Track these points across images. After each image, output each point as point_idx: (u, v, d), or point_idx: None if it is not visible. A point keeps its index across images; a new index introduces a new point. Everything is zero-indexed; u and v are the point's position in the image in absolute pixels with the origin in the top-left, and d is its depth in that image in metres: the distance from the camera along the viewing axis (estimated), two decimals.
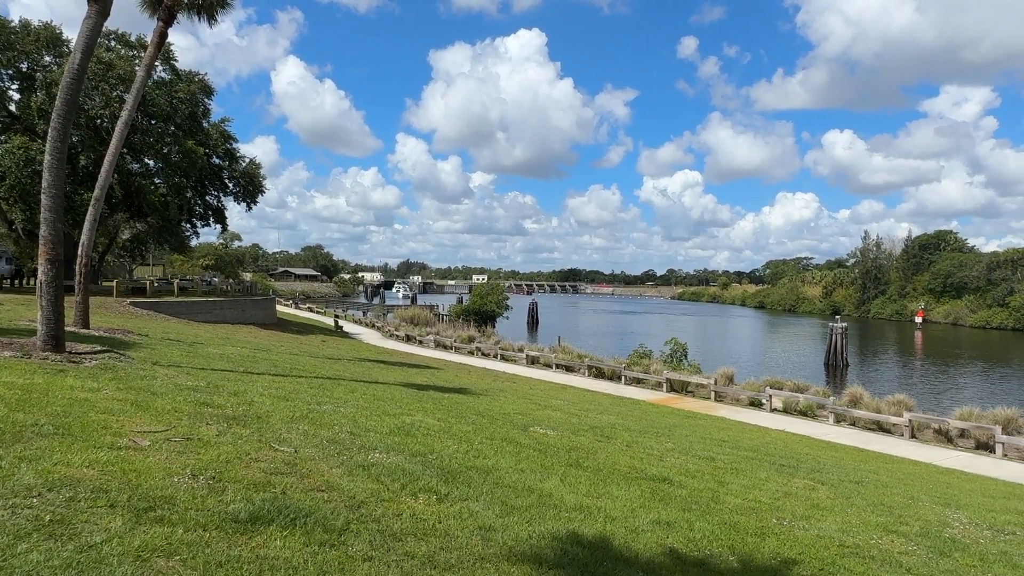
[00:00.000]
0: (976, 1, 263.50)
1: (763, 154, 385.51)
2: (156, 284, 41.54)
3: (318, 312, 74.06)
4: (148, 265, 73.01)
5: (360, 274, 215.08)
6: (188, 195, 42.70)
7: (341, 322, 54.72)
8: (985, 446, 18.61)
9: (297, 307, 79.61)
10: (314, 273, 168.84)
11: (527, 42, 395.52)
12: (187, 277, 60.42)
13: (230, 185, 45.63)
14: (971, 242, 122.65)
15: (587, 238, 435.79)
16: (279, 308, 58.77)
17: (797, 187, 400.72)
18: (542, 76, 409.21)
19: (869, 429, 20.74)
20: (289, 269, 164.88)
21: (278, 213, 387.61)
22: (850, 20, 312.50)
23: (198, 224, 46.46)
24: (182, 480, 4.50)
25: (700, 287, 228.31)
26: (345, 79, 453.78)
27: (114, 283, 35.71)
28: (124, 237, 52.04)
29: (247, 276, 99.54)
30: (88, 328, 17.51)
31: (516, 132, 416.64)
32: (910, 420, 19.92)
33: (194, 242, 58.91)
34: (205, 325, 30.13)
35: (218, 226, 48.34)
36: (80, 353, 10.63)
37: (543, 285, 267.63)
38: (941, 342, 76.74)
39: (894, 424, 20.31)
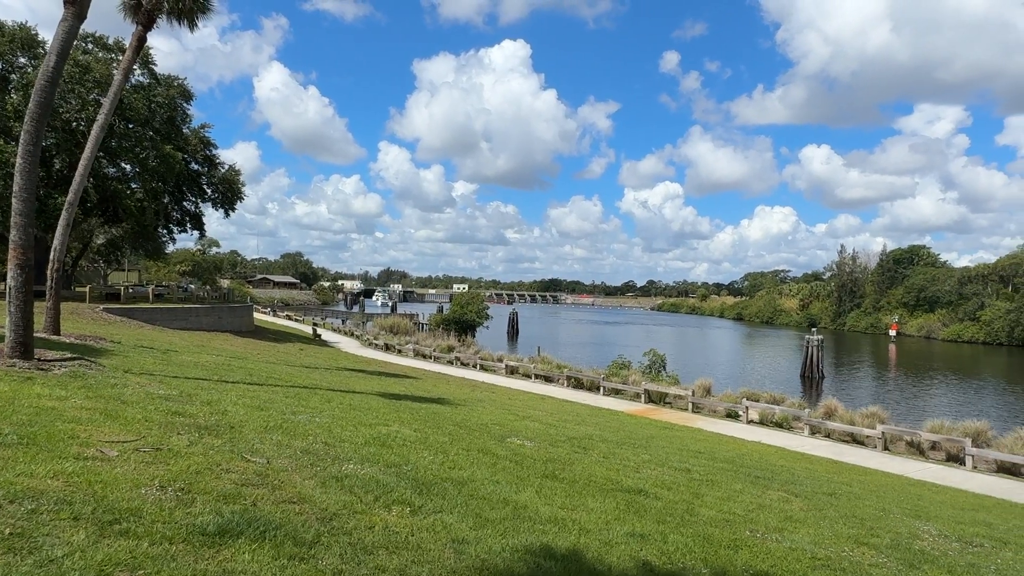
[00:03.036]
0: (949, 23, 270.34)
1: (743, 168, 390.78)
2: (131, 290, 40.93)
3: (296, 320, 73.36)
4: (123, 271, 71.93)
5: (340, 282, 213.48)
6: (165, 200, 42.19)
7: (320, 330, 54.24)
8: (956, 458, 18.91)
9: (275, 315, 78.80)
10: (293, 281, 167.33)
11: (511, 53, 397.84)
12: (163, 283, 59.63)
13: (208, 191, 45.18)
14: (944, 257, 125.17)
15: (568, 248, 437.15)
16: (257, 315, 58.12)
17: (775, 201, 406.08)
18: (526, 87, 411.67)
19: (843, 441, 20.97)
20: (268, 276, 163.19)
21: (258, 220, 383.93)
22: (828, 39, 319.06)
23: (175, 230, 45.96)
24: (150, 492, 4.42)
25: (680, 298, 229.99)
26: (329, 86, 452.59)
27: (87, 288, 35.15)
28: (99, 242, 51.24)
29: (225, 283, 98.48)
30: (59, 334, 17.19)
31: (499, 142, 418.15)
32: (883, 432, 20.18)
33: (171, 248, 58.13)
34: (180, 332, 29.71)
35: (195, 232, 47.87)
36: (49, 360, 10.42)
37: (524, 295, 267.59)
38: (914, 355, 77.97)
39: (868, 436, 20.56)
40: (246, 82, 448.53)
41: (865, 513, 9.17)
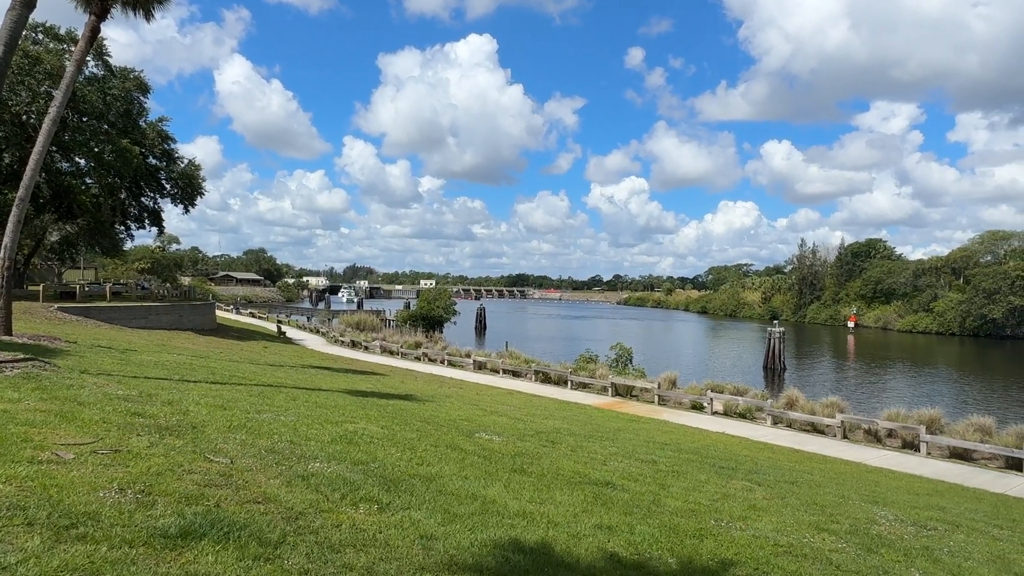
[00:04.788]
0: (905, 22, 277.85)
1: (706, 163, 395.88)
2: (87, 288, 39.76)
3: (260, 317, 72.18)
4: (79, 268, 69.80)
5: (305, 279, 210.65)
6: (122, 196, 41.13)
7: (284, 328, 53.47)
8: (911, 445, 19.50)
9: (238, 312, 77.42)
10: (257, 278, 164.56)
11: (478, 48, 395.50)
12: (121, 281, 58.08)
13: (167, 186, 44.16)
14: (899, 250, 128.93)
15: (535, 244, 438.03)
16: (219, 313, 57.03)
17: (738, 196, 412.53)
18: (492, 82, 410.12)
19: (804, 430, 21.47)
20: (230, 273, 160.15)
21: (220, 216, 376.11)
22: (789, 36, 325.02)
23: (133, 226, 44.83)
24: (108, 495, 4.31)
25: (645, 292, 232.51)
26: (293, 80, 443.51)
27: (41, 287, 34.04)
28: (52, 239, 49.60)
29: (185, 280, 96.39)
30: (11, 335, 16.63)
31: (466, 137, 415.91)
32: (842, 421, 20.71)
33: (128, 245, 56.58)
34: (139, 331, 29.00)
35: (154, 228, 46.76)
36: (0, 361, 10.07)
37: (491, 290, 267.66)
38: (872, 346, 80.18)
39: (827, 425, 21.08)
40: (206, 75, 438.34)
41: (825, 500, 9.41)
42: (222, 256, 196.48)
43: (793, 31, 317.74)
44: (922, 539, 7.55)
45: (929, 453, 18.74)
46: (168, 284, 68.11)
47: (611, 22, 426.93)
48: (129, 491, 4.45)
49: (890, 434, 20.33)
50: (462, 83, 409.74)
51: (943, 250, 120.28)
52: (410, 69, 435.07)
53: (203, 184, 45.51)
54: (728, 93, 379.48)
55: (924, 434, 18.97)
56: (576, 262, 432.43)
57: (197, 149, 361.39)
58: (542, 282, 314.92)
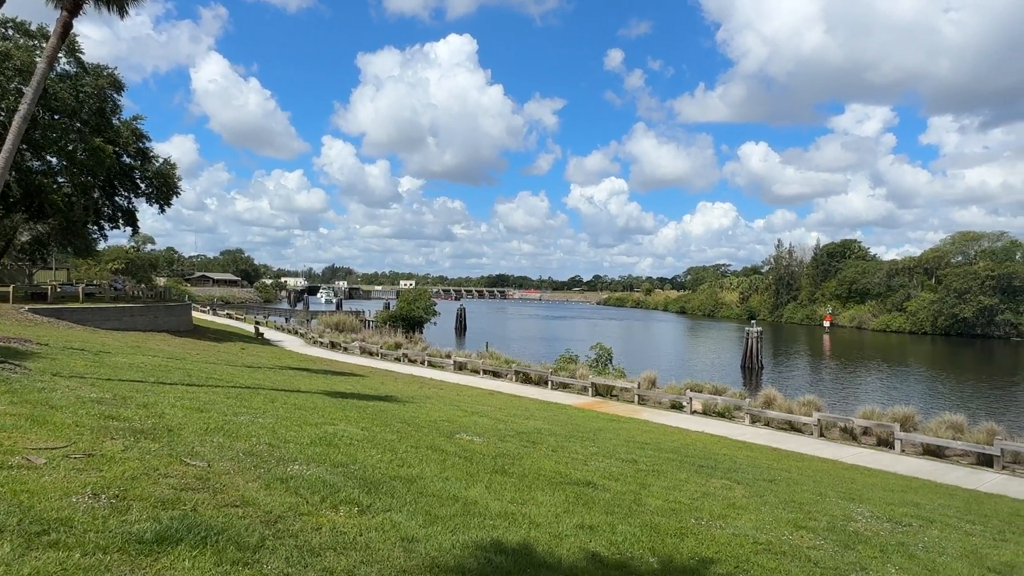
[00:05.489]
0: (878, 26, 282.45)
1: (685, 164, 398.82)
2: (59, 289, 39.03)
3: (238, 319, 71.34)
4: (50, 269, 68.45)
5: (283, 279, 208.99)
6: (95, 195, 40.37)
7: (262, 329, 52.90)
8: (885, 443, 19.79)
9: (215, 313, 76.47)
10: (234, 278, 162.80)
11: (458, 48, 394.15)
12: (94, 282, 57.11)
13: (142, 186, 43.43)
14: (873, 251, 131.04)
15: (516, 244, 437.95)
16: (196, 315, 56.30)
17: (716, 197, 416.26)
18: (472, 82, 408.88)
19: (782, 429, 21.70)
20: (207, 274, 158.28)
21: (196, 215, 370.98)
22: (766, 39, 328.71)
23: (106, 226, 43.99)
24: (81, 500, 4.22)
25: (625, 292, 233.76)
26: (271, 79, 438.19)
27: (11, 288, 33.32)
28: (23, 239, 48.53)
29: (161, 281, 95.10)
30: None
31: (446, 137, 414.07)
32: (819, 420, 20.97)
33: (102, 245, 55.59)
34: (113, 333, 28.51)
35: (128, 228, 45.92)
36: None
37: (471, 291, 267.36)
38: (847, 345, 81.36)
39: (804, 424, 21.33)
40: (182, 73, 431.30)
41: (803, 498, 9.51)
42: (198, 256, 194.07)
43: (770, 34, 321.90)
44: (898, 535, 7.66)
45: (903, 450, 19.04)
46: (143, 285, 67.11)
47: (591, 23, 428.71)
48: (103, 496, 4.36)
49: (865, 432, 20.61)
50: (442, 83, 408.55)
51: (916, 251, 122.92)
52: (390, 69, 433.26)
53: (179, 183, 44.83)
54: (706, 95, 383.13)
55: (898, 432, 19.26)
56: (556, 262, 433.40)
57: (173, 148, 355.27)
58: (522, 282, 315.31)
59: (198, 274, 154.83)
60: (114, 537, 3.69)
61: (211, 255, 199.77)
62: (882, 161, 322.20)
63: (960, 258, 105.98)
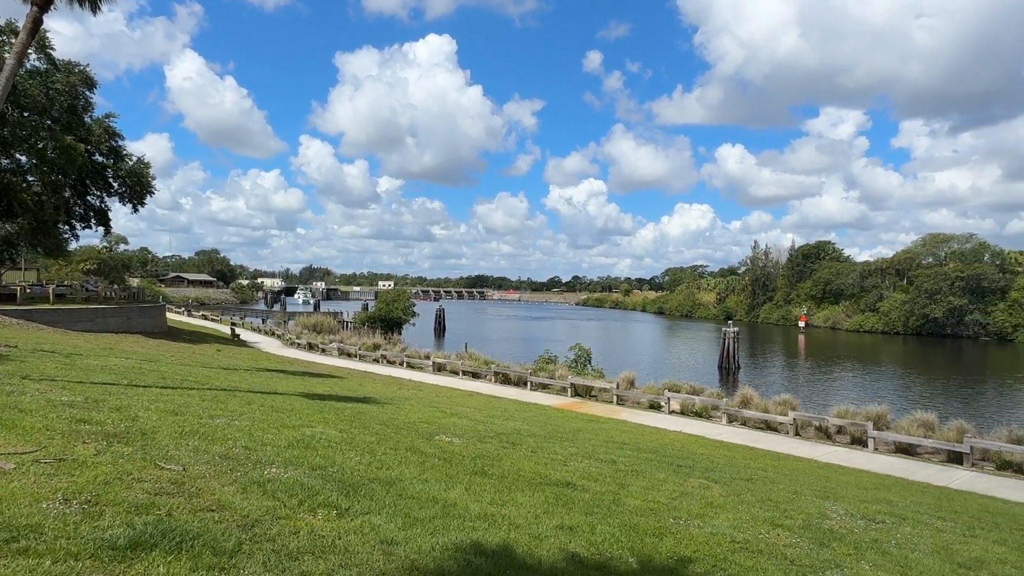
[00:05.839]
0: (851, 31, 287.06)
1: (663, 166, 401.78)
2: (28, 290, 38.20)
3: (213, 320, 70.45)
4: (19, 270, 66.97)
5: (260, 280, 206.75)
6: (66, 194, 39.57)
7: (238, 330, 52.29)
8: (859, 441, 20.11)
9: (190, 314, 75.46)
10: (209, 279, 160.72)
11: (437, 48, 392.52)
12: (65, 283, 56.01)
13: (115, 185, 42.66)
14: (847, 252, 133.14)
15: (495, 245, 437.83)
16: (170, 316, 55.48)
17: (694, 198, 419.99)
18: (451, 83, 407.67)
19: (758, 428, 21.95)
20: (182, 274, 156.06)
21: (170, 215, 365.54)
22: (743, 42, 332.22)
23: (78, 226, 43.13)
24: (52, 506, 4.13)
25: (604, 293, 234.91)
26: (248, 77, 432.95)
27: None
28: None
29: (134, 282, 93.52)
30: None
31: (425, 138, 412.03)
32: (794, 419, 21.25)
33: (73, 245, 54.37)
34: (85, 335, 27.98)
35: (101, 228, 45.07)
36: None
37: (450, 291, 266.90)
38: (821, 345, 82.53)
39: (780, 423, 21.60)
40: (157, 71, 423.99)
41: (779, 496, 9.63)
42: (173, 257, 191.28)
43: (747, 37, 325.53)
44: (871, 532, 7.78)
45: (876, 449, 19.36)
46: (115, 285, 65.87)
47: (570, 25, 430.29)
48: (74, 501, 4.27)
49: (839, 431, 20.93)
50: (421, 83, 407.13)
51: (888, 252, 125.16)
52: (368, 68, 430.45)
53: (153, 182, 44.11)
54: (684, 97, 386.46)
55: (871, 430, 19.59)
56: (535, 263, 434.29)
57: (147, 146, 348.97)
58: (501, 283, 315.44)
59: (172, 275, 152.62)
60: (86, 543, 3.62)
61: (186, 255, 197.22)
62: (855, 164, 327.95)
63: (931, 259, 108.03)
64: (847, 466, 16.46)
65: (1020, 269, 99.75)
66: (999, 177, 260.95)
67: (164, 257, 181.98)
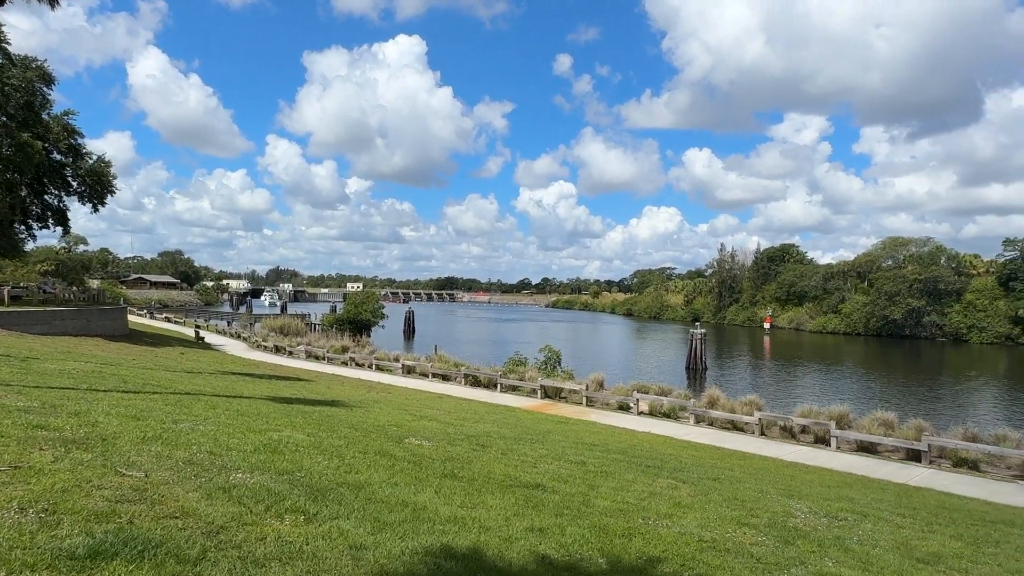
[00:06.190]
0: (814, 39, 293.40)
1: (632, 169, 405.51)
2: None
3: (176, 322, 69.03)
4: None
5: (225, 282, 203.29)
6: (22, 193, 38.41)
7: (203, 333, 51.28)
8: (822, 440, 20.53)
9: (153, 317, 73.82)
10: (173, 280, 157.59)
11: (407, 49, 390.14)
12: (21, 284, 54.33)
13: (74, 184, 41.51)
14: (810, 255, 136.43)
15: (465, 247, 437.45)
16: (132, 318, 54.19)
17: (662, 201, 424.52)
18: (421, 84, 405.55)
19: (725, 428, 22.26)
20: (144, 276, 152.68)
21: (133, 215, 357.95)
22: (710, 48, 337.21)
23: (35, 226, 41.90)
24: (7, 515, 4.00)
25: (573, 295, 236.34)
26: (213, 76, 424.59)
27: None
28: None
29: (94, 283, 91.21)
30: None
31: (395, 139, 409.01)
32: (760, 419, 21.60)
33: (30, 245, 52.85)
34: (42, 338, 27.17)
35: (59, 228, 43.83)
36: None
37: (420, 293, 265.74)
38: (786, 346, 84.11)
39: (746, 423, 21.94)
40: (118, 68, 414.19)
41: (745, 495, 9.77)
42: (135, 258, 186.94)
43: (714, 43, 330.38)
44: (834, 529, 7.95)
45: (839, 447, 19.78)
46: (74, 287, 64.11)
47: (540, 28, 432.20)
48: (31, 510, 4.14)
49: (804, 430, 21.33)
50: (391, 84, 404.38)
51: (850, 255, 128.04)
52: (337, 68, 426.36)
53: (114, 182, 43.02)
54: (652, 101, 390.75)
55: (834, 429, 20.01)
56: (505, 265, 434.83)
57: (107, 145, 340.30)
58: (471, 285, 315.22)
59: (134, 276, 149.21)
60: (43, 553, 3.51)
61: (148, 256, 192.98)
62: (818, 169, 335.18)
63: (890, 262, 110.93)
64: (811, 465, 16.78)
65: (974, 272, 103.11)
66: (955, 183, 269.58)
67: (126, 258, 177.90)
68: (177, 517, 4.51)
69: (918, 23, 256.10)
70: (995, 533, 9.33)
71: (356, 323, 64.41)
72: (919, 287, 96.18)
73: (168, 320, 71.29)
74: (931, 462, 18.10)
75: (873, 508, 10.13)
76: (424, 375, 33.27)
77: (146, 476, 5.42)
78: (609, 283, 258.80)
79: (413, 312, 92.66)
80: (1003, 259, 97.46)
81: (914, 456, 18.52)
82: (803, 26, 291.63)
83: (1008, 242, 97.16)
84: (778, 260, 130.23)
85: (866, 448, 19.59)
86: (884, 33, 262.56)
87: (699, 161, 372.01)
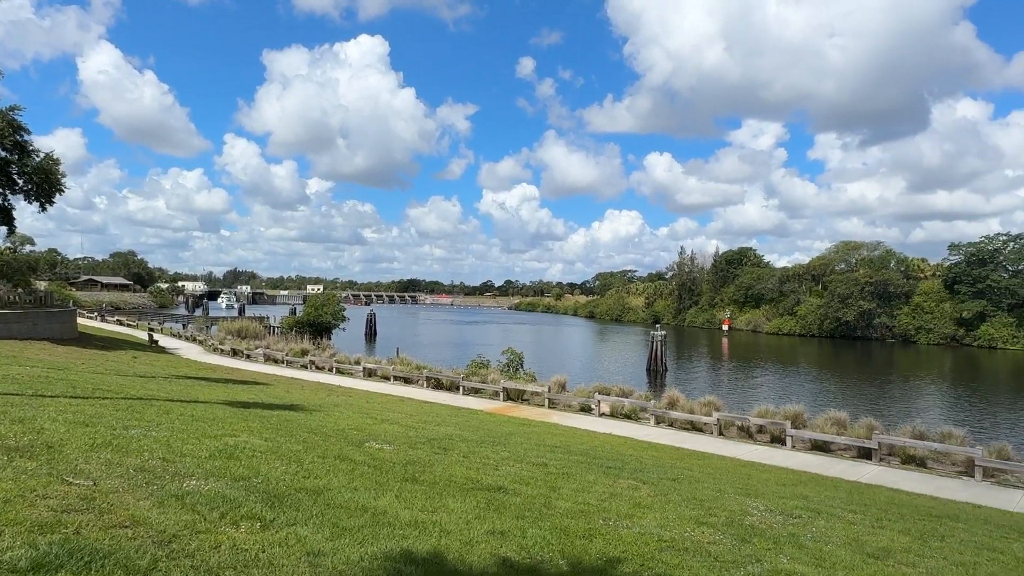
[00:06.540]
0: (771, 48, 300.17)
1: (594, 173, 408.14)
2: None
3: (129, 325, 67.11)
4: None
5: (180, 283, 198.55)
6: None
7: (157, 336, 49.96)
8: (779, 439, 20.99)
9: (104, 320, 71.58)
10: (125, 282, 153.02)
11: (369, 49, 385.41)
12: None
13: (20, 182, 39.99)
14: (767, 258, 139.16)
15: (427, 248, 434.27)
16: (82, 321, 52.45)
17: (624, 205, 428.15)
18: (384, 84, 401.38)
19: (685, 429, 22.59)
20: (95, 278, 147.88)
21: (83, 215, 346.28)
22: (671, 54, 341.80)
23: None
24: None
25: (536, 298, 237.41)
26: (169, 73, 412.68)
27: None
28: None
29: (41, 285, 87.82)
30: None
31: (356, 139, 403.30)
32: (718, 419, 21.99)
33: None
34: None
35: (3, 228, 42.19)
36: None
37: (382, 295, 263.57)
38: (744, 347, 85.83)
39: (705, 423, 22.30)
40: (68, 62, 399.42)
41: (704, 495, 9.93)
42: (85, 259, 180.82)
43: (674, 50, 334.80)
44: (789, 527, 8.13)
45: (794, 446, 20.25)
46: (20, 289, 61.76)
47: (503, 31, 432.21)
48: None
49: (760, 430, 21.78)
50: (353, 84, 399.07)
51: (805, 258, 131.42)
52: (297, 67, 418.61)
53: (63, 180, 41.57)
54: (614, 106, 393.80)
55: (790, 429, 20.48)
56: (468, 267, 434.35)
57: (57, 142, 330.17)
58: (434, 287, 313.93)
59: (85, 278, 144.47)
60: None
61: (100, 257, 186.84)
62: (775, 174, 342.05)
63: (843, 266, 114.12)
64: (767, 464, 17.13)
65: (922, 276, 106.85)
66: (903, 189, 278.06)
67: (75, 259, 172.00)
68: (127, 526, 4.38)
69: (869, 34, 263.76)
70: (941, 527, 9.67)
71: (316, 326, 63.50)
72: (870, 290, 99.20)
73: (120, 323, 69.25)
74: (881, 460, 18.66)
75: (826, 505, 10.39)
76: (386, 378, 32.98)
77: (94, 484, 5.25)
78: (572, 285, 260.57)
79: (375, 314, 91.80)
80: (948, 263, 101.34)
81: (865, 454, 19.07)
82: (760, 35, 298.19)
83: (953, 247, 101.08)
84: (736, 263, 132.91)
85: (820, 447, 20.09)
86: (837, 43, 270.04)
87: (660, 165, 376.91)
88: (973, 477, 16.93)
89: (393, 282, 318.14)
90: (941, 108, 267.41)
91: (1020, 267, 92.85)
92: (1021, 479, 16.74)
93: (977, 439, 21.44)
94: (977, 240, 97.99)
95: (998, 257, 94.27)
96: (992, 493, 15.23)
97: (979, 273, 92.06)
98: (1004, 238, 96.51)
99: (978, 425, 30.97)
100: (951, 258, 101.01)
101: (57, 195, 41.64)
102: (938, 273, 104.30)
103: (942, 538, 8.78)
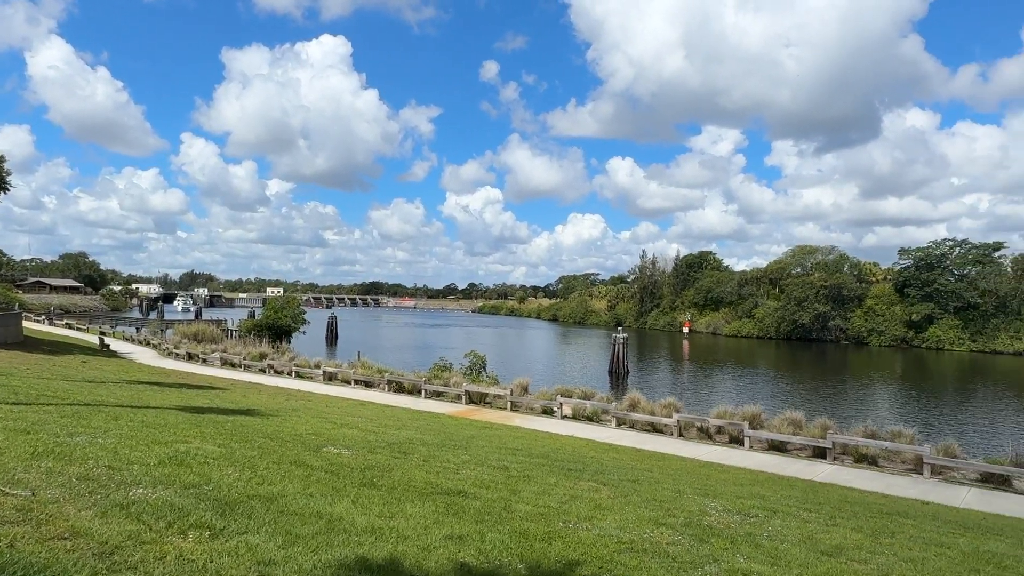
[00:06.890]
0: (729, 56, 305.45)
1: (557, 176, 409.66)
2: None
3: (79, 329, 64.93)
4: None
5: (134, 286, 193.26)
6: None
7: (108, 340, 48.43)
8: (737, 440, 21.33)
9: (52, 323, 69.11)
10: (76, 284, 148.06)
11: (331, 49, 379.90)
12: None
13: None
14: (726, 262, 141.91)
15: (390, 251, 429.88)
16: (28, 324, 50.59)
17: (586, 208, 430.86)
18: (346, 85, 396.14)
19: (645, 430, 22.81)
20: (43, 280, 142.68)
21: (31, 215, 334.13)
22: (633, 61, 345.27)
23: None
24: None
25: (500, 301, 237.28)
26: (123, 70, 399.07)
27: None
28: None
29: None
30: None
31: (318, 140, 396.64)
32: (678, 420, 22.25)
33: None
34: None
35: None
36: None
37: (344, 298, 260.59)
38: (703, 349, 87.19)
39: (665, 425, 22.55)
40: (16, 57, 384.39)
41: (663, 496, 10.01)
42: (33, 260, 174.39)
43: (636, 56, 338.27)
44: (746, 526, 8.24)
45: (752, 447, 20.60)
46: None
47: (468, 35, 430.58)
48: None
49: (719, 430, 22.11)
50: (314, 84, 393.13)
51: (763, 262, 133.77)
52: (258, 66, 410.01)
53: (8, 178, 40.09)
54: (577, 110, 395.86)
55: (747, 429, 20.83)
56: (431, 270, 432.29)
57: (2, 139, 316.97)
58: (397, 290, 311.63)
59: (32, 280, 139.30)
60: None
61: (48, 259, 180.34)
62: (734, 180, 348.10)
63: (799, 270, 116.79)
64: (726, 464, 17.39)
65: (874, 279, 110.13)
66: (856, 195, 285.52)
67: (22, 260, 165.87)
68: (66, 538, 4.20)
69: (822, 45, 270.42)
70: (891, 524, 9.92)
71: (276, 329, 62.34)
72: (825, 293, 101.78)
73: (70, 327, 66.97)
74: (835, 459, 19.11)
75: (782, 504, 10.57)
76: (346, 382, 32.55)
77: (33, 495, 5.03)
78: (535, 288, 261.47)
79: (336, 318, 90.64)
80: (899, 267, 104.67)
81: (820, 453, 19.51)
82: (719, 43, 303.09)
83: (903, 251, 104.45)
84: (696, 267, 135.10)
85: (777, 447, 20.48)
86: (793, 52, 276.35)
87: (622, 170, 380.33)
88: (922, 474, 17.46)
89: (355, 285, 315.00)
90: (891, 117, 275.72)
91: (965, 271, 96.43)
92: (967, 476, 17.33)
93: (925, 438, 22.18)
94: (925, 245, 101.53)
95: (945, 262, 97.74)
96: (939, 490, 15.73)
97: (927, 277, 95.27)
98: (951, 243, 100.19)
99: (926, 424, 32.01)
100: (901, 262, 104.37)
101: (2, 194, 40.15)
102: (889, 277, 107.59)
103: (892, 535, 9.01)
